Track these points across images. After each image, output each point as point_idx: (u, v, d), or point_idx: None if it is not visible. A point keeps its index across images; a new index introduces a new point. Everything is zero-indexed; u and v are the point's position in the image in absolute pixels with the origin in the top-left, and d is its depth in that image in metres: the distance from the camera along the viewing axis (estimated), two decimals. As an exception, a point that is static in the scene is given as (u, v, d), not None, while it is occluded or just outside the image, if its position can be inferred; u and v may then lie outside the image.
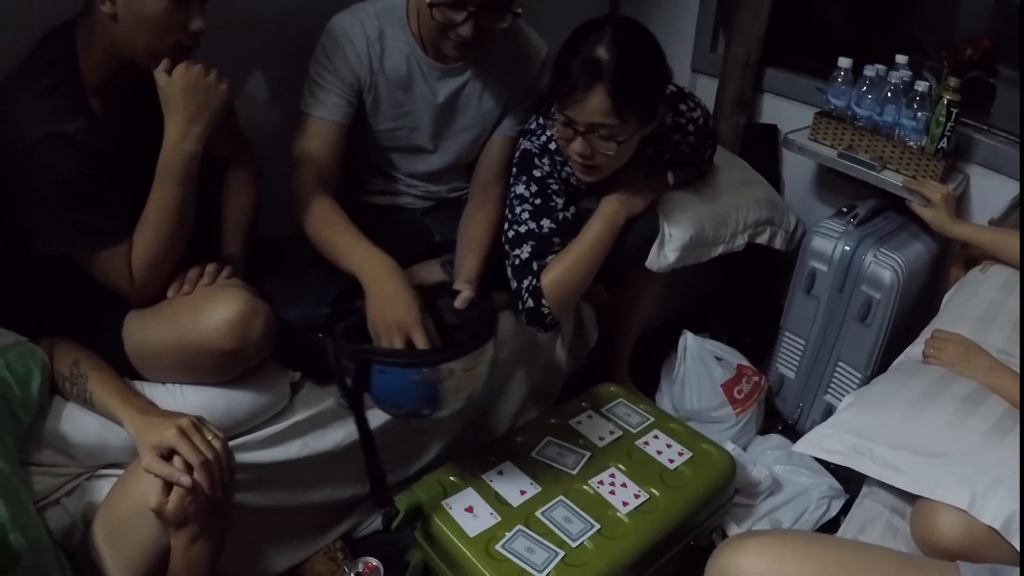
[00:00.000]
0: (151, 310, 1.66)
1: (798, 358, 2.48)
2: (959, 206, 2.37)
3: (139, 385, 1.65)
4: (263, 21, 2.09)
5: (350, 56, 1.90)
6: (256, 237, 1.94)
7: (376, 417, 1.80)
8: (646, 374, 2.55)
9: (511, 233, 1.97)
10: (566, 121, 1.80)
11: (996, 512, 1.41)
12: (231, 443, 1.63)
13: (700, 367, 2.38)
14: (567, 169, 1.99)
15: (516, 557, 1.65)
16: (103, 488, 1.59)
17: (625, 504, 1.80)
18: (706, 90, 2.85)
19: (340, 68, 1.90)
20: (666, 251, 2.07)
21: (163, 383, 1.67)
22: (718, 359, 2.41)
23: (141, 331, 1.65)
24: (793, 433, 2.43)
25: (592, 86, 1.72)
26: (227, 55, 1.91)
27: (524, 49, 1.84)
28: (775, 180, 2.77)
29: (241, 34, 2.02)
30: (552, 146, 1.97)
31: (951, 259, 2.33)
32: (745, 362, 2.45)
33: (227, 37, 1.91)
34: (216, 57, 1.72)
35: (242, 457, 1.69)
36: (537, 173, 1.98)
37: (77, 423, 1.58)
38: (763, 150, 2.79)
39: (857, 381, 2.31)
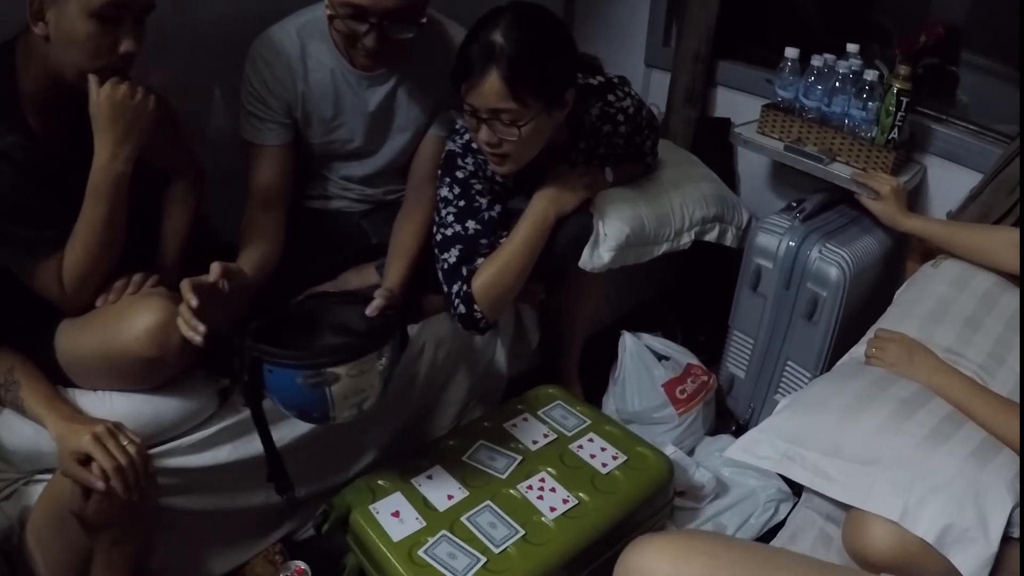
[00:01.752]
0: (81, 319, 1.69)
1: (747, 357, 2.45)
2: (916, 198, 2.33)
3: (71, 392, 1.69)
4: (216, 29, 2.09)
5: (270, 84, 1.91)
6: (216, 241, 1.99)
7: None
8: (597, 375, 2.51)
9: (439, 237, 1.96)
10: (469, 109, 1.78)
11: (930, 524, 1.38)
12: (159, 448, 1.69)
13: (640, 367, 2.35)
14: (492, 167, 1.96)
15: (437, 563, 1.64)
16: (39, 492, 1.62)
17: (552, 509, 1.78)
18: (660, 85, 2.83)
19: (265, 95, 1.91)
20: (600, 251, 2.04)
21: (93, 390, 1.69)
22: (665, 358, 2.38)
23: (71, 339, 1.68)
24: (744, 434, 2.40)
25: (487, 70, 1.71)
26: (180, 66, 1.95)
27: (452, 49, 1.82)
28: (729, 175, 2.74)
29: (194, 43, 2.05)
30: (475, 145, 1.95)
31: (905, 253, 2.28)
32: (695, 361, 2.42)
33: (180, 48, 1.94)
34: (168, 68, 1.75)
35: (172, 462, 1.72)
36: (460, 174, 1.97)
37: (13, 430, 1.63)
38: (717, 144, 2.75)
39: (807, 380, 2.28)
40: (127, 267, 1.72)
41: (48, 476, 1.65)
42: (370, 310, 1.69)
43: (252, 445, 1.81)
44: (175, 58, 1.96)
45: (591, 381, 2.49)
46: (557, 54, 1.79)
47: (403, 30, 1.80)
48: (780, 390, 2.37)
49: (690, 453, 2.28)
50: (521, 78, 1.71)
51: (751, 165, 2.78)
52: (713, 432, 2.44)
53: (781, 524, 2.08)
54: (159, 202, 1.86)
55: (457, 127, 2.01)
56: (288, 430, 1.86)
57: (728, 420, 2.53)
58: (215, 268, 1.61)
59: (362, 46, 1.81)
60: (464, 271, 1.91)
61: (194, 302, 1.52)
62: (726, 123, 2.77)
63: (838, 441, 1.57)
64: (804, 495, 1.76)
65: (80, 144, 1.61)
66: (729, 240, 2.38)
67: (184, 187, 1.88)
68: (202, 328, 1.51)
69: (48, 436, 1.57)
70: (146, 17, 1.58)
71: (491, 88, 1.71)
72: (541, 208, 1.94)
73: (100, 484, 1.44)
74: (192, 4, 2.03)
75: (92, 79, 1.54)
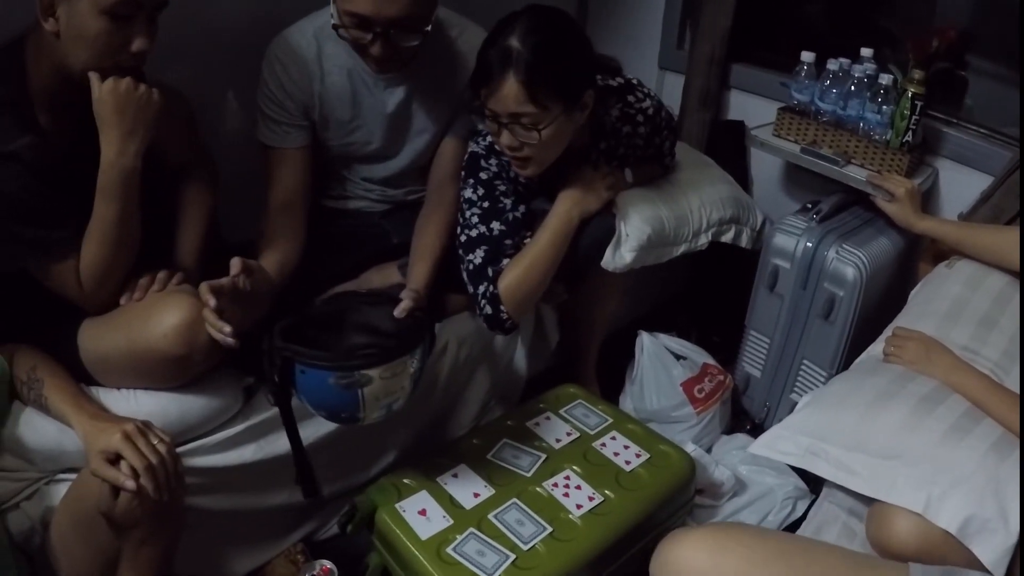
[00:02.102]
0: (104, 317, 1.67)
1: (763, 356, 2.46)
2: (928, 200, 2.35)
3: (95, 391, 1.66)
4: (228, 30, 2.09)
5: (287, 86, 1.92)
6: (223, 241, 1.97)
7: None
8: (613, 375, 2.53)
9: (463, 238, 1.97)
10: (489, 115, 1.79)
11: (952, 515, 1.40)
12: (185, 447, 1.67)
13: (658, 366, 2.36)
14: (515, 170, 1.97)
15: (467, 560, 1.65)
16: (61, 492, 1.60)
17: (579, 507, 1.79)
18: (674, 87, 2.84)
19: (282, 98, 1.92)
20: (622, 251, 2.05)
21: (118, 388, 1.67)
22: (682, 358, 2.40)
23: (95, 338, 1.66)
24: (760, 432, 2.35)
25: (505, 75, 1.71)
26: (196, 65, 1.95)
27: (471, 50, 1.83)
28: (743, 177, 2.76)
29: (208, 43, 2.04)
30: (498, 146, 1.95)
31: (918, 254, 2.30)
32: (711, 361, 2.44)
33: (194, 47, 1.94)
34: (183, 68, 1.74)
35: (196, 461, 1.71)
36: (484, 175, 1.97)
37: (35, 428, 1.60)
38: (731, 146, 2.78)
39: (823, 379, 2.29)
40: (148, 265, 1.71)
41: (70, 476, 1.62)
42: (398, 311, 1.69)
43: (276, 444, 1.83)
44: (188, 58, 1.96)
45: (607, 380, 2.51)
46: (574, 56, 1.81)
47: (408, 38, 1.81)
48: (796, 389, 2.38)
49: (707, 451, 2.29)
50: (539, 82, 1.72)
51: (764, 167, 2.79)
52: (729, 431, 2.46)
53: (798, 521, 2.11)
54: (175, 199, 1.86)
55: (479, 128, 2.02)
56: (312, 430, 1.86)
57: (743, 419, 2.55)
58: (235, 263, 1.62)
59: (369, 54, 1.82)
60: (490, 272, 1.92)
61: (212, 303, 1.53)
62: (739, 126, 2.79)
63: (861, 436, 1.60)
64: (824, 490, 1.77)
65: (89, 142, 1.59)
66: (744, 241, 2.39)
67: (200, 184, 1.89)
68: (228, 328, 1.52)
69: (71, 435, 1.55)
70: (158, 15, 1.56)
71: (510, 93, 1.72)
72: (565, 210, 1.95)
73: (131, 484, 1.40)
74: (205, 4, 2.02)
75: (94, 77, 1.53)
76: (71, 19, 1.47)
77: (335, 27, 1.78)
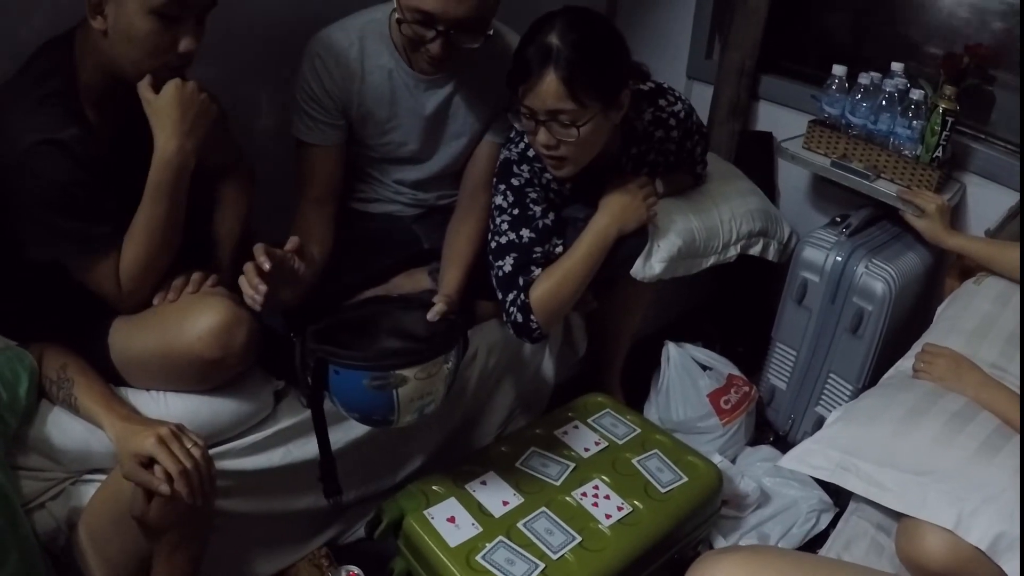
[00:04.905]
0: (137, 317, 1.66)
1: (789, 369, 2.46)
2: (955, 216, 2.34)
3: (124, 391, 1.65)
4: (263, 31, 2.10)
5: (326, 83, 1.91)
6: (253, 242, 1.94)
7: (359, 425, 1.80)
8: (638, 384, 2.52)
9: (493, 244, 1.97)
10: (527, 112, 1.79)
11: (983, 532, 1.40)
12: (214, 450, 1.65)
13: (684, 377, 2.36)
14: (547, 175, 1.97)
15: (496, 568, 1.65)
16: (88, 493, 1.58)
17: (608, 516, 1.79)
18: (702, 97, 2.84)
19: (321, 96, 1.91)
20: (652, 262, 2.06)
21: (147, 390, 1.66)
22: (708, 368, 2.40)
23: (126, 338, 1.65)
24: (784, 444, 2.42)
25: (544, 71, 1.72)
26: (229, 63, 1.94)
27: (509, 53, 1.83)
28: (770, 188, 2.76)
29: (241, 44, 2.04)
30: (531, 153, 1.96)
31: (945, 270, 2.30)
32: (736, 372, 2.43)
33: (227, 47, 1.93)
34: (216, 66, 1.73)
35: (225, 464, 1.70)
36: (516, 182, 1.97)
37: (63, 428, 1.58)
38: (758, 158, 2.78)
39: (849, 393, 2.30)
40: (182, 265, 1.70)
41: (97, 476, 1.62)
42: (431, 315, 1.70)
43: (305, 448, 1.83)
44: (220, 58, 1.93)
45: (631, 389, 2.50)
46: (612, 54, 1.81)
47: (470, 40, 1.80)
48: (821, 402, 2.39)
49: (732, 463, 2.29)
50: (579, 78, 1.72)
51: (791, 179, 2.79)
52: (753, 442, 2.45)
53: (822, 534, 2.12)
54: (211, 200, 1.86)
55: (512, 135, 2.02)
56: (341, 434, 1.86)
57: (767, 431, 2.55)
58: (293, 239, 1.63)
59: (426, 51, 1.82)
60: (520, 280, 1.92)
61: (267, 265, 1.53)
62: (768, 137, 2.79)
63: (892, 452, 1.60)
64: (852, 505, 1.77)
65: (132, 140, 1.60)
66: (771, 255, 2.39)
67: (237, 185, 1.88)
68: (263, 288, 1.52)
69: (99, 435, 1.53)
70: (207, 15, 1.56)
71: (549, 88, 1.72)
72: (604, 225, 1.94)
73: (165, 488, 1.37)
74: (238, 3, 1.98)
75: (144, 84, 1.53)
76: (119, 18, 1.47)
77: (399, 21, 1.77)
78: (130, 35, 1.48)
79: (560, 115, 1.76)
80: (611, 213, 1.96)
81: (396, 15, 1.80)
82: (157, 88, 1.55)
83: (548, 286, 1.92)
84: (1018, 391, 1.69)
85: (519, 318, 1.93)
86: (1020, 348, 1.79)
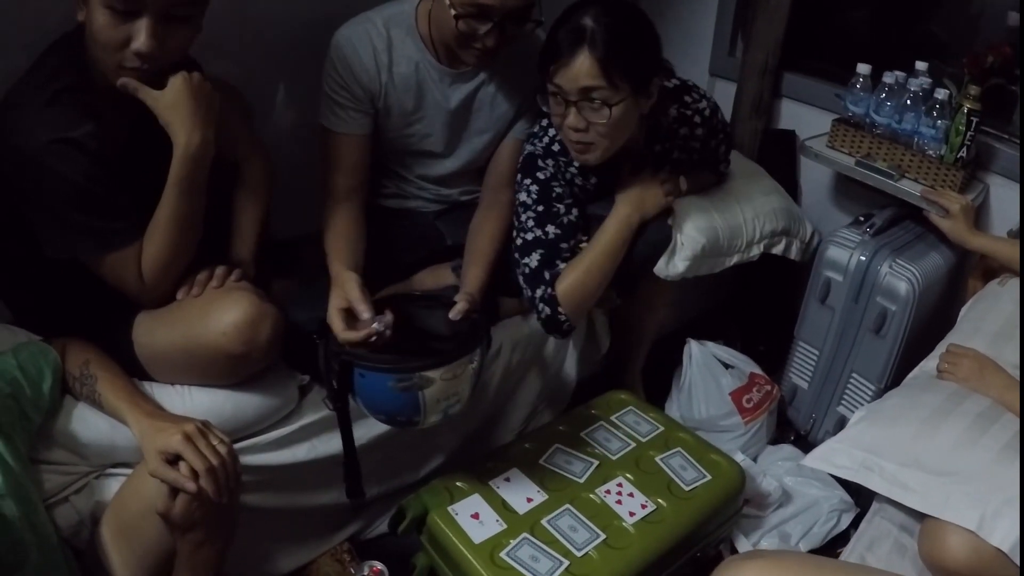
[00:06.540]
0: (160, 312, 1.66)
1: (811, 368, 2.46)
2: (978, 217, 2.33)
3: (148, 386, 1.65)
4: (278, 25, 2.10)
5: (357, 70, 1.90)
6: (270, 238, 1.95)
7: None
8: (659, 381, 2.53)
9: (519, 241, 1.97)
10: (556, 91, 1.79)
11: (1005, 534, 1.40)
12: (239, 445, 1.65)
13: (707, 375, 2.37)
14: (572, 170, 1.98)
15: (521, 565, 1.66)
16: (112, 487, 1.59)
17: (632, 514, 1.79)
18: (724, 94, 2.83)
19: (350, 83, 1.90)
20: (676, 260, 2.06)
21: (172, 384, 1.67)
22: (730, 367, 2.40)
23: (150, 333, 1.65)
24: (805, 444, 2.42)
25: (577, 50, 1.72)
26: (246, 58, 1.94)
27: (536, 51, 1.83)
28: (792, 187, 2.74)
29: (256, 38, 2.05)
30: (555, 147, 1.96)
31: (969, 271, 2.29)
32: (758, 370, 2.43)
33: (242, 41, 1.94)
34: (234, 60, 1.73)
35: (249, 459, 1.70)
36: (541, 175, 1.97)
37: (87, 423, 1.58)
38: (781, 156, 2.76)
39: (871, 393, 2.29)
40: (204, 259, 1.70)
41: (120, 471, 1.62)
42: (454, 314, 1.70)
43: (329, 444, 1.84)
44: (240, 53, 1.97)
45: (651, 387, 2.51)
46: (645, 40, 1.82)
47: (521, 29, 1.82)
48: (843, 402, 2.38)
49: (753, 462, 2.30)
50: (613, 58, 1.72)
51: (813, 177, 2.78)
52: (774, 441, 2.46)
53: (843, 534, 2.12)
54: (231, 193, 1.84)
55: (536, 130, 2.02)
56: (364, 431, 1.87)
57: (788, 430, 2.55)
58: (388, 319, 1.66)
59: (480, 45, 1.81)
60: (547, 275, 1.93)
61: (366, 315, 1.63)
62: (790, 135, 2.78)
63: (916, 453, 1.61)
64: (875, 505, 1.76)
65: (147, 136, 1.59)
66: (794, 254, 2.38)
67: (257, 179, 1.87)
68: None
69: (123, 430, 1.52)
70: (175, 19, 1.48)
71: (582, 67, 1.72)
72: (625, 213, 1.96)
73: (191, 486, 1.36)
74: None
75: (143, 86, 1.51)
76: (89, 12, 1.45)
77: (456, 17, 1.76)
78: (92, 28, 1.46)
79: (592, 93, 1.75)
80: (630, 201, 1.97)
81: (452, 12, 1.76)
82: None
83: (574, 278, 1.92)
84: None
85: (547, 311, 1.93)
86: (1020, 345, 1.79)
